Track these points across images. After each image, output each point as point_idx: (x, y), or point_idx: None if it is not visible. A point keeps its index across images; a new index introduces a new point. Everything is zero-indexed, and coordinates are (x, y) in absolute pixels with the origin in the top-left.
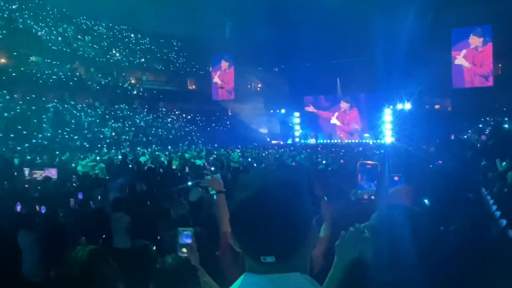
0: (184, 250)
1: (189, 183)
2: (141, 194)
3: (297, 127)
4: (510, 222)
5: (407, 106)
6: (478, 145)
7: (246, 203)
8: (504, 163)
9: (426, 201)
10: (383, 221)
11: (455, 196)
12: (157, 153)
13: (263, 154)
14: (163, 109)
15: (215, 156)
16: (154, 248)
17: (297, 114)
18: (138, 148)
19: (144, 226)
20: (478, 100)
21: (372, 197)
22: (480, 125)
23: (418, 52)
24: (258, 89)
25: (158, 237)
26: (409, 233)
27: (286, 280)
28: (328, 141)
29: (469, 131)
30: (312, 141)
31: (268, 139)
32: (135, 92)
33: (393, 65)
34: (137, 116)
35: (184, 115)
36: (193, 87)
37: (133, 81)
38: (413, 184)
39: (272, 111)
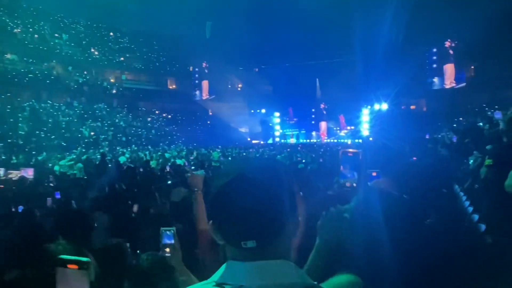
0: (167, 250)
1: (169, 182)
2: (121, 194)
3: (277, 127)
4: (481, 217)
5: (384, 106)
6: (451, 143)
7: (225, 188)
8: (472, 160)
9: (404, 196)
10: (362, 203)
11: (430, 191)
12: (137, 153)
13: (244, 154)
14: (143, 108)
15: (195, 155)
16: (129, 245)
17: (277, 114)
18: (118, 148)
19: (123, 225)
20: (452, 100)
21: (354, 184)
22: (454, 125)
23: (395, 54)
24: (239, 89)
25: (138, 236)
26: (387, 216)
27: (269, 266)
28: (308, 140)
29: (445, 131)
30: (292, 140)
31: (249, 139)
32: (114, 91)
33: (370, 66)
34: (116, 116)
35: (164, 115)
36: (174, 86)
37: (112, 80)
38: (391, 179)
39: (252, 111)
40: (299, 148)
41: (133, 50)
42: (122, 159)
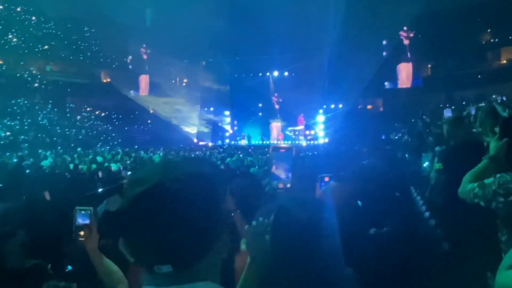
0: (82, 233)
1: (100, 190)
2: (42, 204)
3: (228, 127)
4: (438, 223)
5: (340, 106)
6: (406, 144)
7: (138, 201)
8: (426, 162)
9: (359, 202)
10: (282, 215)
11: (385, 196)
12: (63, 156)
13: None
14: (72, 104)
15: (133, 159)
16: (50, 267)
17: (227, 112)
18: (40, 151)
19: (44, 242)
20: (409, 100)
21: (288, 185)
22: (411, 126)
23: (350, 52)
24: (184, 84)
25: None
26: (311, 228)
27: None
28: (261, 142)
29: (402, 131)
30: (243, 142)
31: (196, 140)
32: (36, 85)
33: (324, 64)
34: (39, 113)
35: (97, 112)
36: (108, 80)
37: (34, 72)
38: (345, 184)
39: (199, 108)
40: (250, 150)
41: (59, 37)
42: (45, 163)
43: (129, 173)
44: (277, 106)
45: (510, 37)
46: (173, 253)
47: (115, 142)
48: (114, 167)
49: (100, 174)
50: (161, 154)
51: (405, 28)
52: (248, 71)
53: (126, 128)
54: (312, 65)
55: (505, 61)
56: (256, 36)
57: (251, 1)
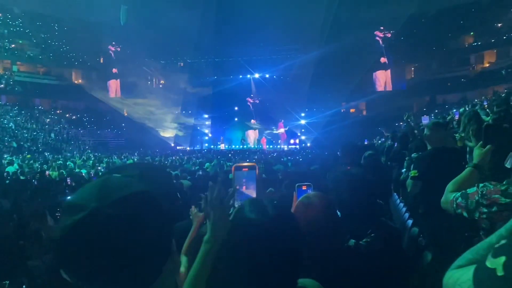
0: None
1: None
2: (3, 214)
3: (207, 131)
4: (421, 231)
5: (322, 110)
6: (389, 149)
7: (71, 233)
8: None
9: (338, 212)
10: (232, 237)
11: (365, 205)
12: (31, 161)
13: (166, 162)
14: (40, 107)
15: (105, 165)
16: (8, 283)
17: (206, 116)
18: (5, 156)
19: (6, 255)
20: (392, 104)
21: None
22: (394, 130)
23: (333, 56)
24: (161, 86)
25: (26, 269)
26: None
27: None
28: (241, 146)
29: (385, 136)
30: (222, 146)
31: (173, 145)
32: (2, 86)
33: (307, 67)
34: (4, 115)
35: (67, 115)
36: (79, 81)
37: (0, 71)
38: (324, 192)
39: (177, 111)
40: (230, 155)
41: (27, 36)
42: (10, 169)
43: None
44: (256, 109)
45: (493, 40)
46: (121, 283)
47: (87, 147)
48: (85, 173)
49: (69, 181)
50: (136, 160)
51: (381, 28)
52: (228, 73)
53: (98, 132)
54: (294, 68)
55: (488, 64)
56: (238, 37)
57: (234, 2)
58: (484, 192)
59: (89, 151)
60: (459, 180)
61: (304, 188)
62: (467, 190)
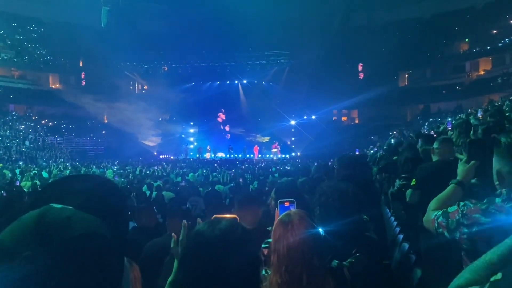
0: None
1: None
2: None
3: (192, 139)
4: (412, 246)
5: (313, 118)
6: (380, 160)
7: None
8: (398, 181)
9: (320, 230)
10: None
11: (351, 222)
12: (3, 171)
13: (148, 172)
14: (14, 113)
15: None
16: None
17: (191, 123)
18: None
19: None
20: (385, 112)
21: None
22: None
23: (325, 60)
24: (144, 91)
25: None
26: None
27: None
28: (228, 155)
29: (376, 145)
30: (208, 155)
31: (156, 153)
32: None
33: (298, 73)
34: None
35: (43, 122)
36: (57, 85)
37: None
38: (307, 209)
39: (160, 119)
40: (216, 165)
41: (1, 37)
42: None
43: None
44: (243, 116)
45: (488, 47)
46: None
47: (64, 156)
48: None
49: None
50: (116, 169)
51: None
52: (215, 79)
53: (76, 140)
54: (284, 74)
55: (483, 72)
56: (226, 42)
57: (221, 5)
58: (464, 212)
59: (66, 159)
60: (442, 197)
61: (286, 204)
62: (448, 209)
